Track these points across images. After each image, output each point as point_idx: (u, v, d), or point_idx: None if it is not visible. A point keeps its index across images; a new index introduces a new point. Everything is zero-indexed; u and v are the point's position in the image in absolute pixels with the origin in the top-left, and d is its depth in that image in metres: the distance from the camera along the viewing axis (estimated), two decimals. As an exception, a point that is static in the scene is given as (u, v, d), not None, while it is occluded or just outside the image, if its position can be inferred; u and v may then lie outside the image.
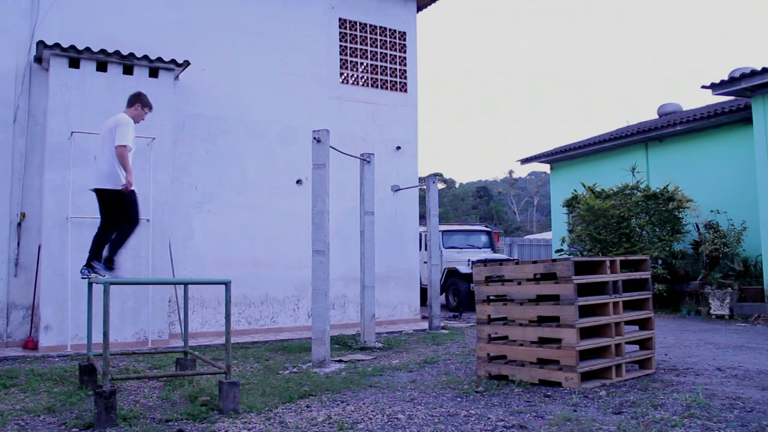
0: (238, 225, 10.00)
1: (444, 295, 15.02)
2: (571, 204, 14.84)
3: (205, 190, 9.84)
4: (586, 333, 5.54)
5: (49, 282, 8.07)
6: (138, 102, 5.95)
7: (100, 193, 5.68)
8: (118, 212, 5.66)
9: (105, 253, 5.67)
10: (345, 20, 11.33)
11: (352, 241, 10.37)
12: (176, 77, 9.30)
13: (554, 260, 5.59)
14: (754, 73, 11.03)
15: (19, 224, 8.54)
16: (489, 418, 4.39)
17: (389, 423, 4.30)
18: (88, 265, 5.55)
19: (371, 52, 11.56)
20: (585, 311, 5.62)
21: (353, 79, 11.47)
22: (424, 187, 11.18)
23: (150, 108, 6.05)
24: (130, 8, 9.48)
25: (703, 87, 11.94)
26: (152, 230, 8.64)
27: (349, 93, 11.26)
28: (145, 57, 8.74)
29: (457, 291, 14.62)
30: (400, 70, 11.83)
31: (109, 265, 5.63)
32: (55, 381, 5.88)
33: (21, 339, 8.40)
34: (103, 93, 8.56)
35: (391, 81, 11.72)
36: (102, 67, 8.62)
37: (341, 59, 11.24)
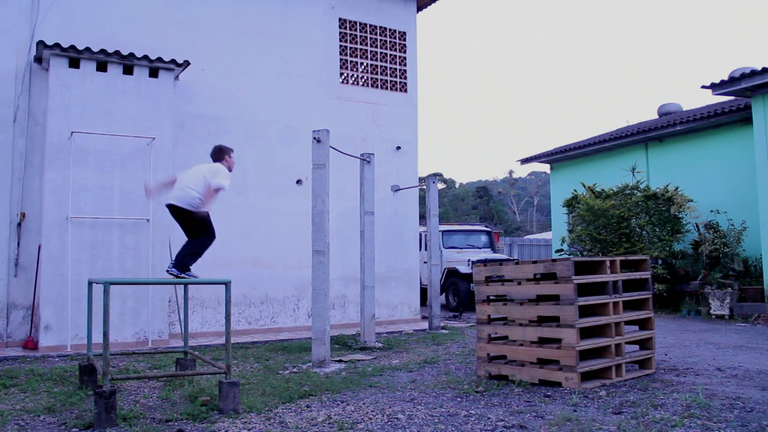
0: (238, 225, 9.99)
1: (444, 295, 15.02)
2: (571, 204, 14.85)
3: (205, 190, 9.83)
4: (586, 333, 5.54)
5: (49, 282, 8.07)
6: (224, 153, 6.24)
7: (174, 209, 5.97)
8: (195, 226, 6.03)
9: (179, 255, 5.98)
10: (345, 20, 11.33)
11: (352, 241, 10.36)
12: (176, 77, 9.30)
13: (554, 260, 5.59)
14: (754, 73, 11.03)
15: (19, 224, 8.54)
16: (489, 418, 4.39)
17: (389, 423, 4.30)
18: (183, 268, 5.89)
19: (371, 52, 11.56)
20: (585, 311, 5.62)
21: (353, 79, 11.47)
22: (424, 187, 11.18)
23: (232, 150, 6.40)
24: (130, 8, 9.48)
25: (703, 87, 11.94)
26: (152, 230, 8.64)
27: (349, 93, 11.26)
28: (145, 57, 8.74)
29: (457, 291, 14.62)
30: (400, 70, 11.84)
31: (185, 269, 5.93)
32: (55, 381, 5.88)
33: (21, 339, 8.40)
34: (103, 93, 8.57)
35: (391, 81, 11.73)
36: (102, 67, 8.62)
37: (341, 59, 11.24)
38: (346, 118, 11.07)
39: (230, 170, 6.18)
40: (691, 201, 12.96)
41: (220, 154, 6.25)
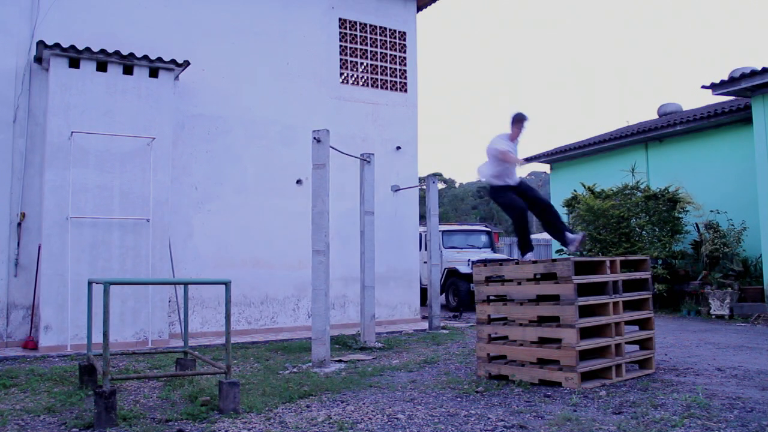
0: (238, 225, 10.00)
1: (444, 295, 15.02)
2: (571, 204, 14.84)
3: (205, 190, 9.84)
4: (586, 333, 5.54)
5: (49, 282, 8.07)
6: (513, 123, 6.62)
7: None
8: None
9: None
10: (345, 20, 11.33)
11: (352, 241, 10.37)
12: (176, 77, 9.30)
13: (554, 260, 5.59)
14: (754, 73, 11.03)
15: (19, 224, 8.54)
16: (489, 418, 4.39)
17: (389, 423, 4.30)
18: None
19: (371, 52, 11.56)
20: (585, 311, 5.61)
21: (353, 79, 11.47)
22: (424, 187, 11.18)
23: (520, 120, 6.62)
24: (130, 8, 9.48)
25: (703, 87, 11.94)
26: (152, 230, 8.64)
27: (349, 93, 11.26)
28: (145, 57, 8.74)
29: (457, 291, 14.61)
30: (400, 70, 11.83)
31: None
32: (55, 381, 5.88)
33: (21, 339, 8.40)
34: (103, 93, 8.57)
35: (391, 81, 11.72)
36: (102, 67, 8.62)
37: (341, 59, 11.24)
38: (346, 118, 11.07)
39: (513, 138, 6.54)
40: (691, 203, 12.97)
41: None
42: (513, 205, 6.43)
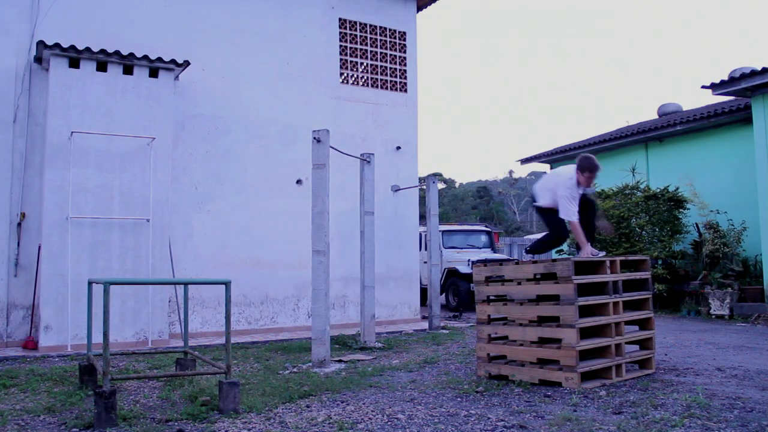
0: (238, 225, 10.00)
1: (444, 295, 15.02)
2: (571, 204, 14.83)
3: (205, 190, 9.84)
4: (586, 333, 5.53)
5: (49, 282, 8.07)
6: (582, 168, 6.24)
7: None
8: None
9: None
10: (345, 20, 11.33)
11: (352, 241, 10.37)
12: (176, 77, 9.30)
13: (554, 260, 5.59)
14: (754, 73, 11.03)
15: (19, 224, 8.54)
16: (489, 418, 4.39)
17: (389, 423, 4.30)
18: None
19: (371, 52, 11.56)
20: (585, 311, 5.61)
21: (353, 79, 11.47)
22: (424, 187, 11.18)
23: (592, 169, 6.21)
24: (130, 8, 9.48)
25: (703, 87, 11.94)
26: (152, 230, 8.64)
27: (349, 93, 11.26)
28: (145, 57, 8.74)
29: (457, 291, 14.62)
30: (400, 70, 11.83)
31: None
32: (55, 381, 5.88)
33: (21, 339, 8.40)
34: (103, 93, 8.57)
35: (391, 81, 11.72)
36: (102, 67, 8.62)
37: (341, 59, 11.24)
38: (346, 118, 11.07)
39: (580, 184, 6.22)
40: (693, 201, 12.97)
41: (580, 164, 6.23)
42: (559, 228, 6.44)
